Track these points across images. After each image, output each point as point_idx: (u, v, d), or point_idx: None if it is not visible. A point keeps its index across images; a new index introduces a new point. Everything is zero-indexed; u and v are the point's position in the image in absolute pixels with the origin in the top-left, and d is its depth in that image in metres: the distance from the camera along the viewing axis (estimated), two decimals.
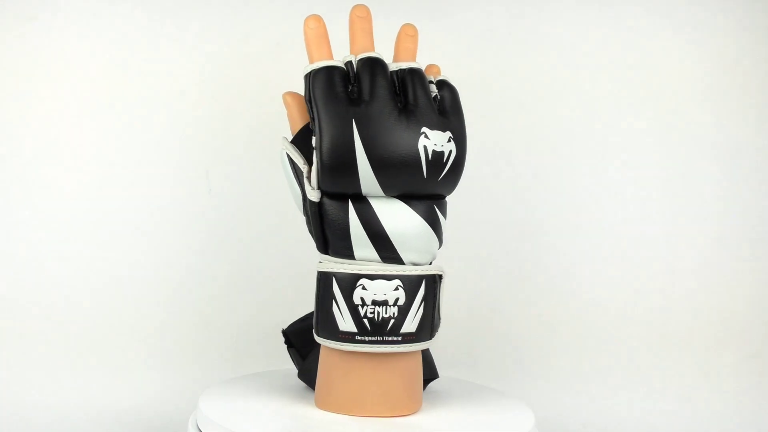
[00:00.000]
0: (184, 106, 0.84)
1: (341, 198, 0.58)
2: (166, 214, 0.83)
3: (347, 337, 0.58)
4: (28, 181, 0.82)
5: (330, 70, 0.59)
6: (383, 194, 0.58)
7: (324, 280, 0.59)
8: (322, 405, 0.60)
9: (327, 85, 0.58)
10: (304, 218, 0.62)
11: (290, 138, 0.63)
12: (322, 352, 0.61)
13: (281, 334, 0.66)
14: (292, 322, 0.66)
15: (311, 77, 0.59)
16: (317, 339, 0.60)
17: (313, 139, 0.59)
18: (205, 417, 0.57)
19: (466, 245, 0.87)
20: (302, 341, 0.65)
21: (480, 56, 0.89)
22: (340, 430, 0.56)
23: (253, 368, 0.73)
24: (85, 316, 0.82)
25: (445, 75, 0.62)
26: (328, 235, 0.59)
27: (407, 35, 0.62)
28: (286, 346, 0.67)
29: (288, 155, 0.61)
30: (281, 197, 0.84)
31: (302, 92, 0.62)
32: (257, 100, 0.84)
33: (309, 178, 0.59)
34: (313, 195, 0.59)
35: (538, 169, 0.90)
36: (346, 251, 0.58)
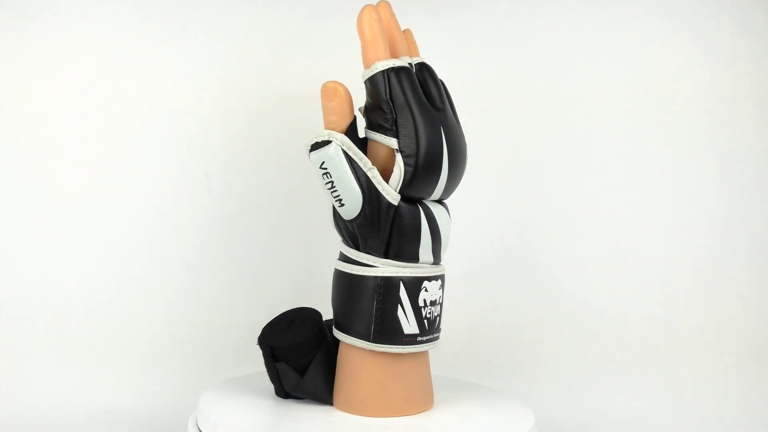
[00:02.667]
0: (185, 106, 0.84)
1: (413, 201, 0.58)
2: (166, 215, 0.83)
3: (410, 340, 0.58)
4: (28, 182, 0.82)
5: (410, 71, 0.57)
6: (435, 198, 0.59)
7: (386, 285, 0.57)
8: (367, 412, 0.58)
9: (415, 88, 0.57)
10: (339, 219, 0.59)
11: (317, 133, 0.58)
12: (365, 358, 0.58)
13: (262, 348, 0.61)
14: (264, 332, 0.62)
15: (392, 75, 0.56)
16: (369, 346, 0.57)
17: (392, 141, 0.56)
18: (205, 417, 0.57)
19: (467, 246, 0.87)
20: (296, 354, 0.60)
21: (480, 56, 0.89)
22: (344, 430, 0.56)
23: (253, 368, 0.73)
24: (85, 316, 0.82)
25: None
26: (394, 239, 0.57)
27: (413, 42, 0.62)
28: (272, 361, 0.61)
29: (346, 153, 0.56)
30: (281, 197, 0.84)
31: (337, 83, 0.57)
32: (258, 100, 0.84)
33: (387, 180, 0.57)
34: (395, 199, 0.56)
35: (538, 170, 0.90)
36: (412, 255, 0.58)
